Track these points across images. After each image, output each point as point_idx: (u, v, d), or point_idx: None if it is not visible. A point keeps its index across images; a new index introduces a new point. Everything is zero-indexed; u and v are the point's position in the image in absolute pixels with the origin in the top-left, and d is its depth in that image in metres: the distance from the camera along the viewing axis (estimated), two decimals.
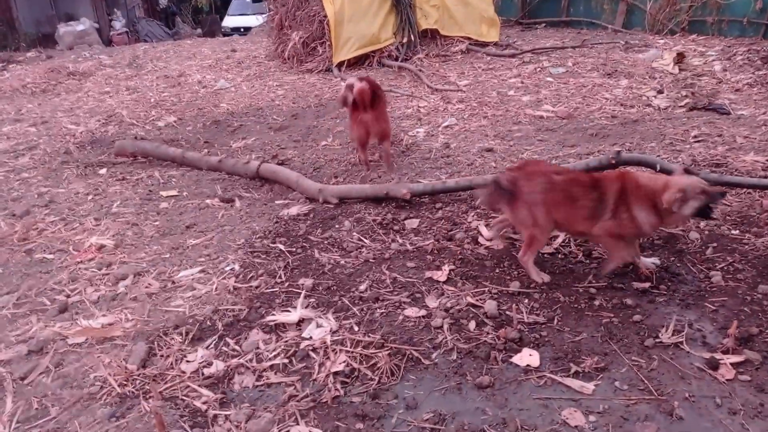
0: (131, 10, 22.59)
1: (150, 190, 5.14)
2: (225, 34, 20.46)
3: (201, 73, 10.66)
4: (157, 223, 4.46)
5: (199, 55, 13.00)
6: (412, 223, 4.17)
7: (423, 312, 3.07)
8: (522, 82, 8.41)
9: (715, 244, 3.52)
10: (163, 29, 22.67)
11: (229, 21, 21.94)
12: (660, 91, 7.30)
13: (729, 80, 7.74)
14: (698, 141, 5.39)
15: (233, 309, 3.18)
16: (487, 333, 2.85)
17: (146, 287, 3.47)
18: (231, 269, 3.62)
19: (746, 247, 3.48)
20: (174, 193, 5.06)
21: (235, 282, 3.46)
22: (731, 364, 2.50)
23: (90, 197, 5.04)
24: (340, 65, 9.94)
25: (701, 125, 5.88)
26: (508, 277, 3.37)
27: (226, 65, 11.43)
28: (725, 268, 3.29)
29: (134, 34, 21.41)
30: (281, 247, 3.89)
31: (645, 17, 12.15)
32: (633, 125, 6.12)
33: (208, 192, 5.05)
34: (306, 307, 3.13)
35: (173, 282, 3.54)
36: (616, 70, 8.43)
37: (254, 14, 19.98)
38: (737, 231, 3.67)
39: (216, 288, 3.41)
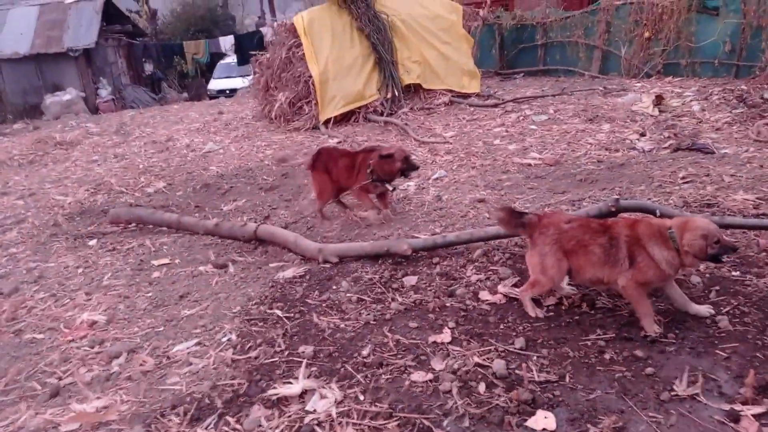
0: (117, 78, 22.99)
1: (141, 260, 5.06)
2: (211, 97, 20.82)
3: (189, 137, 10.75)
4: (149, 294, 4.36)
5: (187, 118, 13.16)
6: (411, 280, 4.11)
7: (430, 376, 2.97)
8: (506, 131, 8.55)
9: (717, 288, 3.49)
10: (149, 95, 23.07)
11: (215, 84, 22.38)
12: (643, 134, 7.45)
13: (708, 120, 7.93)
14: (687, 182, 5.45)
15: (232, 384, 3.06)
16: (499, 395, 2.75)
17: (141, 365, 3.35)
18: (228, 340, 3.51)
19: (749, 288, 3.46)
20: (166, 261, 4.98)
21: (233, 354, 3.34)
22: (752, 415, 2.42)
23: (80, 270, 4.94)
24: (326, 122, 10.09)
25: (688, 166, 5.96)
26: (514, 333, 3.30)
27: (213, 128, 11.55)
28: (731, 311, 3.24)
29: (121, 100, 21.73)
30: (279, 312, 3.80)
31: (621, 62, 12.58)
32: (620, 169, 6.20)
33: (201, 258, 4.98)
34: (308, 377, 3.02)
35: (168, 357, 3.42)
36: (597, 115, 8.62)
37: (239, 76, 20.39)
38: (738, 272, 3.65)
39: (213, 361, 3.29)
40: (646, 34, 11.99)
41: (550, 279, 3.40)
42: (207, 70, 24.92)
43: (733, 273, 3.68)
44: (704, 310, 3.23)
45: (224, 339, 3.52)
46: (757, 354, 2.86)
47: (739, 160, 6.12)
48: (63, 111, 19.09)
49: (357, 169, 5.42)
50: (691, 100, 9.01)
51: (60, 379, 3.30)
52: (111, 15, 23.36)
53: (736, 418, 2.44)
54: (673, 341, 3.03)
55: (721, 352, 2.90)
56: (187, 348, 3.48)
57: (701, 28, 11.45)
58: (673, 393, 2.63)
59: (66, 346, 3.66)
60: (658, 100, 8.67)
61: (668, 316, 3.24)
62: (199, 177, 7.82)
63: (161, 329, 3.78)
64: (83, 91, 20.87)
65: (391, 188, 5.46)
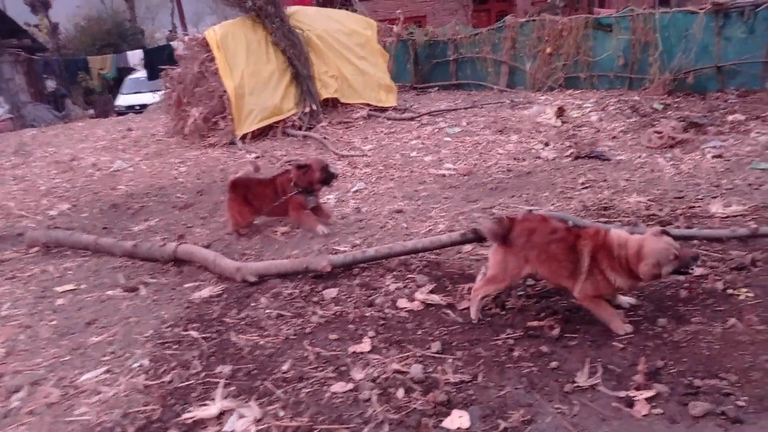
0: (15, 95, 21.47)
1: (44, 287, 4.75)
2: (119, 113, 19.85)
3: (95, 156, 10.23)
4: (53, 322, 4.10)
5: (93, 136, 12.51)
6: (331, 292, 4.13)
7: (350, 385, 3.00)
8: (423, 143, 8.80)
9: None
10: (51, 112, 21.69)
11: (123, 99, 21.38)
12: (547, 144, 7.91)
13: (605, 129, 8.55)
14: (586, 187, 5.85)
15: (145, 410, 2.94)
16: (416, 399, 2.83)
17: (45, 397, 3.15)
18: (139, 365, 3.38)
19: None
20: (71, 287, 4.71)
21: (145, 379, 3.22)
22: (645, 399, 2.63)
23: None
24: (243, 137, 9.93)
25: (587, 172, 6.40)
26: (430, 338, 3.40)
27: (122, 145, 11.05)
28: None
29: (20, 119, 20.27)
30: (194, 334, 3.70)
31: (526, 77, 13.28)
32: (527, 177, 6.55)
33: (110, 282, 4.75)
34: (226, 398, 2.96)
35: (75, 387, 3.23)
36: (506, 127, 9.05)
37: (150, 92, 19.61)
38: None
39: (124, 389, 3.15)
40: (548, 50, 12.75)
41: (508, 278, 3.47)
42: (115, 86, 23.79)
43: None
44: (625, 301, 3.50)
45: (135, 365, 3.39)
46: (649, 343, 3.11)
47: (633, 165, 6.64)
48: None
49: (282, 193, 5.34)
50: (589, 111, 9.67)
51: None
52: (6, 29, 21.84)
53: (631, 403, 2.64)
54: (576, 336, 3.24)
55: (617, 343, 3.13)
56: (96, 376, 3.31)
57: (597, 44, 12.33)
58: (575, 384, 2.81)
59: None
60: (560, 111, 9.24)
61: (573, 313, 3.47)
62: (106, 197, 7.46)
63: (67, 358, 3.57)
64: None
65: (313, 202, 5.41)
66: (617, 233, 3.27)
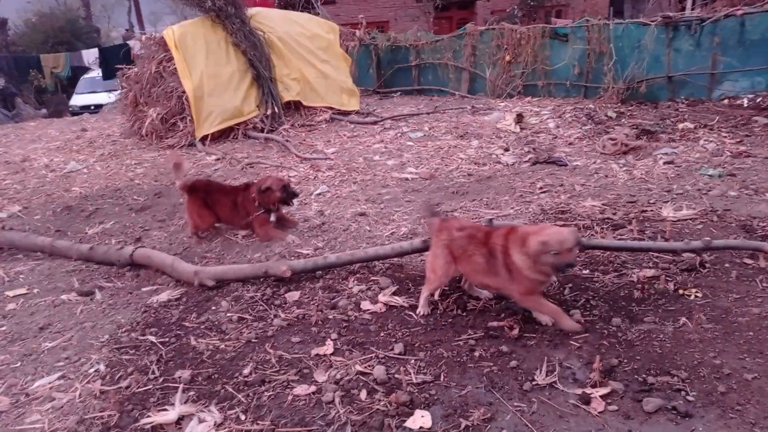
0: None
1: None
2: (74, 113, 19.25)
3: (48, 156, 9.87)
4: (3, 328, 3.94)
5: (45, 137, 12.08)
6: (294, 295, 4.11)
7: (313, 388, 2.99)
8: (385, 147, 8.84)
9: (570, 285, 3.88)
10: (1, 112, 20.84)
11: (78, 99, 20.76)
12: (506, 149, 8.07)
13: (562, 135, 8.79)
14: (544, 191, 6.00)
15: (101, 416, 2.86)
16: (379, 400, 2.84)
17: None
18: (95, 371, 3.29)
19: (597, 284, 3.89)
20: (23, 291, 4.53)
21: (102, 385, 3.13)
22: (600, 396, 2.72)
23: None
24: (203, 139, 9.77)
25: (545, 177, 6.57)
26: (393, 339, 3.42)
27: (76, 146, 10.70)
28: (583, 305, 3.63)
29: None
30: (152, 338, 3.62)
31: (486, 83, 13.52)
32: (487, 181, 6.67)
33: (64, 286, 4.60)
34: (185, 402, 2.91)
35: (27, 395, 3.12)
36: (467, 132, 9.20)
37: (105, 91, 19.09)
38: (587, 271, 4.09)
39: (80, 395, 3.06)
40: (507, 58, 13.03)
41: (438, 278, 3.65)
42: (69, 85, 23.04)
43: (584, 271, 4.11)
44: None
45: (91, 370, 3.29)
46: (604, 342, 3.22)
47: (588, 171, 6.85)
48: None
49: (242, 208, 5.33)
50: (547, 118, 9.92)
51: None
52: None
53: (587, 400, 2.73)
54: (534, 336, 3.32)
55: (574, 342, 3.23)
56: (50, 382, 3.21)
57: (554, 53, 12.68)
58: (534, 383, 2.89)
59: None
60: (519, 118, 9.45)
61: (531, 314, 3.55)
62: (59, 199, 7.22)
63: (18, 365, 3.44)
64: None
65: (273, 218, 5.41)
66: (524, 226, 3.48)
